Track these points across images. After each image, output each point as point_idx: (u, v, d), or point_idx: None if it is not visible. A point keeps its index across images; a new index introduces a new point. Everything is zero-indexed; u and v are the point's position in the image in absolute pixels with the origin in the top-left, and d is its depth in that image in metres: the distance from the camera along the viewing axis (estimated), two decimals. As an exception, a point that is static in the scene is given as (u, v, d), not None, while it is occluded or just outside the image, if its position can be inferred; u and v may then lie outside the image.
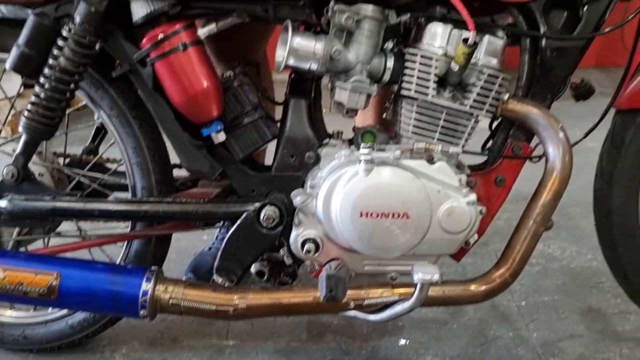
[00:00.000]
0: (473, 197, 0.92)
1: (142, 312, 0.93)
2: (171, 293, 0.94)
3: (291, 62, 0.94)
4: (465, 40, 0.90)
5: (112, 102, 1.03)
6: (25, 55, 0.95)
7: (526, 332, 1.20)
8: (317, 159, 1.01)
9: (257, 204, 0.98)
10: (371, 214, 0.90)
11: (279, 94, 1.13)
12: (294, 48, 0.93)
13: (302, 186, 1.01)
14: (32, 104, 0.97)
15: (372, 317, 0.97)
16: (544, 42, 0.97)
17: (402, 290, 0.95)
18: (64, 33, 0.94)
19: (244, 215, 0.97)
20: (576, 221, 1.62)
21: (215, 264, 1.00)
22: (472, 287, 0.97)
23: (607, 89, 1.14)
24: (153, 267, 0.98)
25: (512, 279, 0.97)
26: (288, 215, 0.99)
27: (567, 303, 1.28)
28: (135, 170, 1.06)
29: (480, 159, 1.05)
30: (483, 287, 0.96)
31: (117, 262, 1.10)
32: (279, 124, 1.04)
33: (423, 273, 0.87)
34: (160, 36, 0.92)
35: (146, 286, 0.94)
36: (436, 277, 0.87)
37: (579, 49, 0.99)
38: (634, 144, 1.02)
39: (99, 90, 1.03)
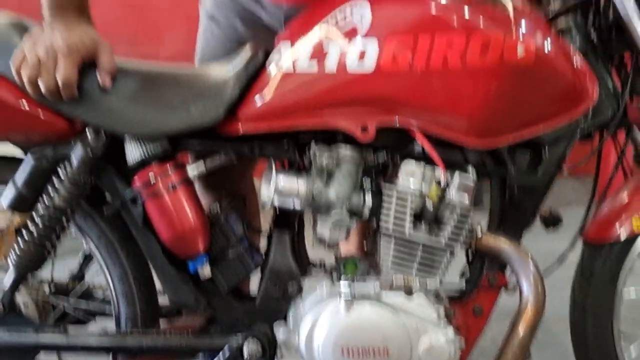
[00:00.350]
0: (451, 333, 0.95)
1: None
2: None
3: (277, 202, 0.99)
4: (439, 182, 0.97)
5: (101, 233, 1.07)
6: (22, 195, 1.00)
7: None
8: (300, 290, 1.04)
9: (240, 338, 0.99)
10: (352, 351, 0.92)
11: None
12: (279, 189, 0.99)
13: (285, 317, 1.03)
14: (24, 240, 1.00)
15: None
16: (511, 180, 1.04)
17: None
18: (61, 174, 0.99)
19: (227, 351, 0.99)
20: (560, 337, 1.62)
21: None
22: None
23: (584, 196, 1.20)
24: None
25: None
26: (270, 349, 1.00)
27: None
28: (120, 299, 1.08)
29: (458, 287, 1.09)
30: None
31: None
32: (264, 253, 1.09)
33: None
34: (152, 178, 0.98)
35: None
36: None
37: (544, 186, 1.06)
38: (602, 276, 1.07)
39: (88, 220, 1.07)
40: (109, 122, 0.98)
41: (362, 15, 0.96)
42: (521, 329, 0.99)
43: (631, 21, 0.98)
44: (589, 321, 1.08)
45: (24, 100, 0.97)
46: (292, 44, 0.99)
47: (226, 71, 1.02)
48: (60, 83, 0.94)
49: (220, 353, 1.00)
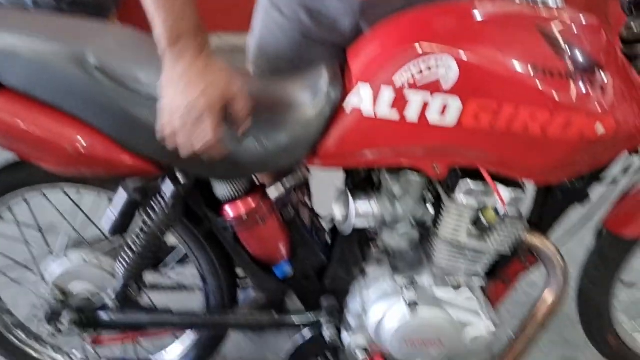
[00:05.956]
0: (491, 324, 1.19)
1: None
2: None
3: (356, 224, 1.12)
4: (496, 210, 1.09)
5: (196, 240, 1.20)
6: (119, 223, 1.09)
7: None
8: (363, 272, 1.24)
9: (322, 319, 1.22)
10: (414, 343, 1.17)
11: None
12: (358, 214, 1.10)
13: (349, 292, 1.25)
14: (127, 257, 1.14)
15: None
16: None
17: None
18: (155, 207, 1.08)
19: (310, 333, 1.23)
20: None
21: (287, 357, 1.28)
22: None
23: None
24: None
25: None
26: (340, 323, 1.24)
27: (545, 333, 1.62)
28: (210, 289, 1.27)
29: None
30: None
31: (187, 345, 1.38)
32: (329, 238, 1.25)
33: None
34: (244, 215, 1.07)
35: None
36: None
37: (583, 190, 1.19)
38: (614, 260, 1.28)
39: (184, 230, 1.19)
40: (198, 171, 1.03)
41: (447, 70, 0.95)
42: (543, 316, 1.24)
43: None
44: (594, 290, 1.33)
45: (116, 149, 1.00)
46: (372, 86, 0.98)
47: (308, 106, 1.02)
48: (208, 145, 0.91)
49: (305, 337, 1.24)
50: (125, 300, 1.21)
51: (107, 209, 1.10)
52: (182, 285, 1.39)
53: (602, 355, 1.47)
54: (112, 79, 0.96)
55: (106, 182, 1.14)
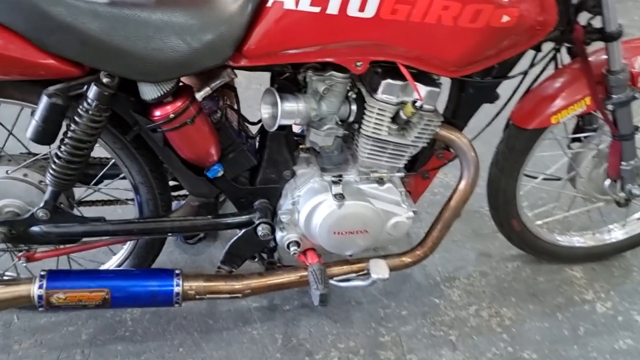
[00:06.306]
0: (411, 213, 1.29)
1: (176, 305, 1.27)
2: (195, 289, 1.28)
3: (282, 122, 1.16)
4: (414, 103, 1.17)
5: (123, 146, 1.21)
6: (42, 129, 1.07)
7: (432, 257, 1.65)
8: (293, 174, 1.30)
9: (254, 219, 1.27)
10: (342, 232, 1.26)
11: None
12: (285, 111, 1.14)
13: (281, 195, 1.31)
14: (55, 164, 1.13)
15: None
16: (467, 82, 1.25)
17: (358, 266, 1.37)
18: (80, 111, 1.07)
19: (244, 231, 1.28)
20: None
21: (221, 259, 1.34)
22: (404, 259, 1.41)
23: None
24: (177, 270, 1.29)
25: (430, 253, 1.42)
26: (273, 221, 1.31)
27: (459, 227, 1.78)
28: (142, 193, 1.29)
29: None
30: (410, 259, 1.41)
31: (124, 257, 1.41)
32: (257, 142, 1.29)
33: (376, 273, 1.28)
34: (171, 115, 1.09)
35: (177, 287, 1.26)
36: (384, 276, 1.28)
37: (492, 87, 1.29)
38: (519, 151, 1.42)
39: (110, 137, 1.19)
40: (124, 71, 1.02)
41: (365, -40, 0.98)
42: (458, 198, 1.36)
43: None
44: (502, 177, 1.47)
45: (31, 50, 0.97)
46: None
47: (231, 3, 1.03)
48: None
49: (239, 233, 1.30)
50: (57, 211, 1.21)
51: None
52: (115, 199, 1.39)
53: (508, 239, 1.64)
54: None
55: (28, 94, 1.11)
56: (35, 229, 1.22)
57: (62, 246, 1.30)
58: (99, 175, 1.28)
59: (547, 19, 1.13)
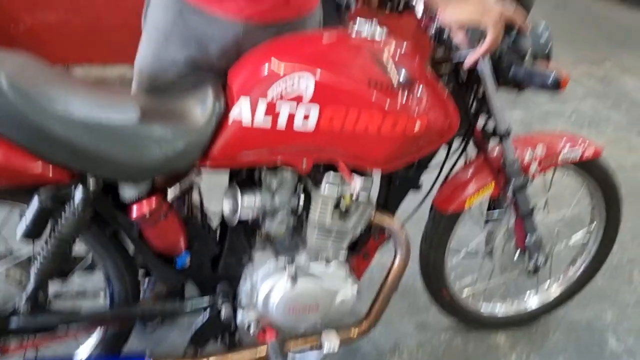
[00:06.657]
0: (355, 289, 1.49)
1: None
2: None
3: (242, 216, 1.36)
4: (352, 196, 1.40)
5: (101, 242, 1.35)
6: (32, 229, 1.22)
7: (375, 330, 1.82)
8: (251, 259, 1.48)
9: (218, 302, 1.43)
10: (296, 309, 1.43)
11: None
12: (244, 207, 1.34)
13: (240, 278, 1.48)
14: (39, 261, 1.26)
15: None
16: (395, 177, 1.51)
17: (312, 338, 1.53)
18: (67, 211, 1.22)
19: (208, 315, 1.44)
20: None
21: (189, 339, 1.47)
22: (352, 331, 1.59)
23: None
24: (147, 351, 1.40)
25: (374, 325, 1.61)
26: (234, 303, 1.46)
27: (398, 303, 1.98)
28: (115, 284, 1.41)
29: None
30: (357, 331, 1.59)
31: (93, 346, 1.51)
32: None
33: (327, 345, 1.45)
34: (147, 213, 1.27)
35: (149, 368, 1.38)
36: (334, 348, 1.45)
37: (416, 179, 1.55)
38: (441, 233, 1.67)
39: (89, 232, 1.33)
40: (110, 175, 1.21)
41: (307, 84, 1.24)
42: (394, 275, 1.58)
43: (486, 82, 1.42)
44: (431, 252, 1.71)
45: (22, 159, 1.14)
46: (251, 99, 1.24)
47: (199, 118, 1.24)
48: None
49: (204, 318, 1.45)
50: (36, 304, 1.32)
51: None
52: (86, 291, 1.51)
53: (440, 307, 1.85)
54: (24, 96, 1.10)
55: (18, 195, 1.26)
56: (13, 321, 1.32)
57: (34, 337, 1.40)
58: (74, 270, 1.41)
59: (452, 122, 1.41)
